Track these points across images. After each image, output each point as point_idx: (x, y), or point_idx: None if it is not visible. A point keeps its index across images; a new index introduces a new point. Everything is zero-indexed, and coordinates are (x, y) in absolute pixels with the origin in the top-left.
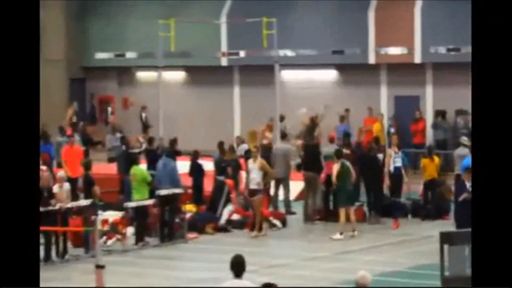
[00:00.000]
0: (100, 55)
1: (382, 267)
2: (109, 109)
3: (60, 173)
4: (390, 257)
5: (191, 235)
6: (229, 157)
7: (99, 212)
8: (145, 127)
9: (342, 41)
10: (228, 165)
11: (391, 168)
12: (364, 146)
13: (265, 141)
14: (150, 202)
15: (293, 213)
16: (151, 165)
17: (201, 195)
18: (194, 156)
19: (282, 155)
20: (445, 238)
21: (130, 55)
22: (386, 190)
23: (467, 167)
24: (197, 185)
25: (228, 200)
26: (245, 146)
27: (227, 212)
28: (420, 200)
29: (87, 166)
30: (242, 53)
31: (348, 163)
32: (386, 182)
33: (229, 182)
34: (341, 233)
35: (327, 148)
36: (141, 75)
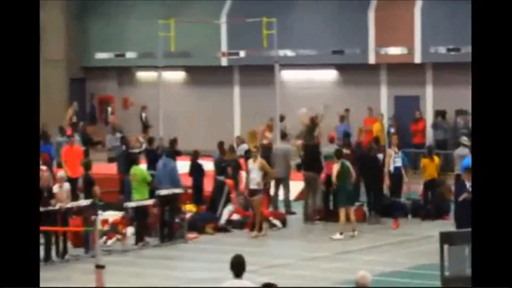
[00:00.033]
0: (100, 55)
1: (382, 267)
2: (109, 109)
3: (60, 173)
4: (390, 257)
5: (191, 235)
6: (229, 157)
7: (99, 212)
8: (145, 127)
9: (342, 41)
10: (228, 165)
11: (391, 168)
12: (364, 146)
13: (265, 141)
14: (150, 202)
15: (293, 213)
16: (151, 165)
17: (201, 195)
18: (194, 156)
19: (282, 155)
20: (445, 238)
21: (130, 55)
22: (386, 190)
23: (467, 167)
24: (197, 185)
25: (228, 200)
26: (245, 146)
27: (227, 212)
28: (420, 200)
29: (87, 166)
30: (242, 53)
31: (348, 163)
32: (386, 182)
33: (229, 182)
34: (341, 233)
35: (327, 148)
36: (141, 75)
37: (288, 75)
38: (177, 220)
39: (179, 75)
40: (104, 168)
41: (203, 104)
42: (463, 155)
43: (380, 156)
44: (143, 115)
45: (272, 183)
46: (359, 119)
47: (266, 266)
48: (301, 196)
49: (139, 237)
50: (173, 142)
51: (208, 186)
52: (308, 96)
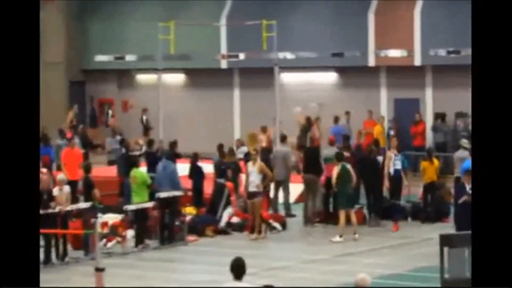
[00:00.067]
0: (100, 58)
1: (382, 269)
2: (110, 112)
3: (60, 176)
4: (390, 259)
5: (191, 237)
6: (229, 159)
7: (99, 214)
8: (146, 129)
9: (342, 44)
10: (228, 167)
11: (391, 170)
12: (364, 149)
13: (263, 144)
14: (150, 204)
15: (293, 216)
16: (151, 168)
17: (201, 198)
18: (194, 158)
19: (282, 157)
20: (445, 240)
21: (129, 57)
22: (386, 193)
23: (467, 170)
24: (197, 188)
25: (228, 203)
26: (244, 149)
27: (227, 215)
28: (420, 203)
29: (87, 169)
30: (241, 56)
31: (349, 166)
32: (386, 184)
33: (229, 184)
34: (340, 236)
35: (327, 151)
36: (141, 77)
37: (288, 78)
38: (177, 222)
39: (179, 78)
40: (104, 171)
41: (203, 106)
42: (463, 157)
43: (380, 158)
44: (144, 117)
45: (272, 186)
46: (359, 121)
47: (266, 269)
48: (301, 199)
49: (139, 239)
50: (173, 144)
51: (208, 188)
52: (308, 98)
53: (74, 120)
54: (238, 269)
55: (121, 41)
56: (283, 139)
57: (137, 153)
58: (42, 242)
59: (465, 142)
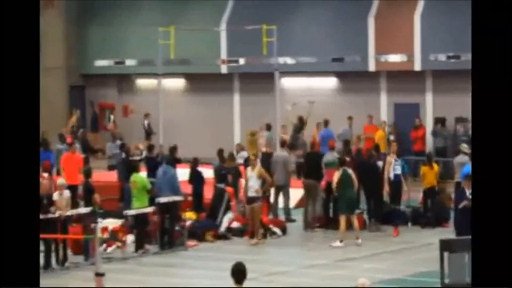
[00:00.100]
0: (100, 63)
1: (382, 274)
2: (112, 117)
3: (60, 180)
4: (390, 264)
5: (191, 242)
6: (229, 164)
7: (99, 219)
8: (148, 134)
9: (342, 49)
10: (228, 172)
11: (391, 175)
12: (364, 154)
13: (266, 149)
14: (150, 209)
15: (293, 221)
16: (151, 173)
17: (201, 203)
18: (194, 163)
19: (282, 162)
20: (445, 245)
21: (129, 62)
22: (386, 198)
23: (467, 175)
24: (197, 193)
25: (228, 208)
26: (245, 154)
27: (227, 220)
28: (420, 208)
29: (87, 173)
30: (242, 61)
31: (350, 171)
32: (386, 189)
33: (229, 189)
34: (341, 241)
35: (327, 156)
36: (141, 82)
37: (288, 83)
38: (177, 227)
39: (179, 83)
40: (104, 175)
41: (203, 111)
42: (463, 162)
43: (380, 163)
44: (146, 122)
45: (272, 191)
46: (359, 126)
47: (266, 274)
48: (301, 204)
49: (139, 244)
50: (173, 149)
51: (208, 193)
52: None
53: (75, 125)
54: (239, 274)
55: (121, 46)
56: (283, 144)
57: (137, 158)
58: (42, 247)
59: (465, 147)
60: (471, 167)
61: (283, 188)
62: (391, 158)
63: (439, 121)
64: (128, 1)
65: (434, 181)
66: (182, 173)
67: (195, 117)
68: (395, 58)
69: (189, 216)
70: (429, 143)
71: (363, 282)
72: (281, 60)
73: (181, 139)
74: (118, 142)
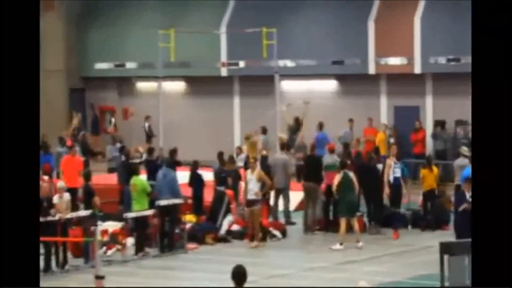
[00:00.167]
0: (100, 65)
1: (382, 277)
2: (113, 120)
3: (60, 183)
4: (390, 267)
5: (191, 245)
6: (229, 167)
7: (99, 222)
8: (149, 137)
9: (342, 52)
10: (228, 175)
11: (390, 178)
12: (364, 156)
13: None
14: (150, 212)
15: (293, 224)
16: (151, 176)
17: (201, 206)
18: (194, 166)
19: (282, 165)
20: (445, 248)
21: (130, 65)
22: (386, 201)
23: (467, 178)
24: (197, 196)
25: (228, 211)
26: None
27: (227, 223)
28: (420, 211)
29: (87, 176)
30: (242, 63)
31: (351, 174)
32: (386, 192)
33: (229, 192)
34: (341, 244)
35: (327, 158)
36: (141, 85)
37: (288, 86)
38: (177, 230)
39: (179, 85)
40: (104, 178)
41: (203, 114)
42: (463, 165)
43: (380, 166)
44: (147, 124)
45: (272, 194)
46: (359, 129)
47: (266, 277)
48: (301, 207)
49: (139, 247)
50: (173, 152)
51: (208, 196)
52: (308, 106)
53: (76, 128)
54: (239, 276)
55: (121, 49)
56: (283, 147)
57: (137, 160)
58: (42, 250)
59: (465, 149)
60: (471, 170)
61: (283, 191)
62: (391, 161)
63: (439, 124)
64: (128, 3)
65: (433, 184)
66: (182, 176)
67: (195, 120)
68: (395, 61)
69: (189, 219)
70: (429, 146)
71: (363, 285)
72: (281, 62)
73: (181, 142)
74: (118, 145)
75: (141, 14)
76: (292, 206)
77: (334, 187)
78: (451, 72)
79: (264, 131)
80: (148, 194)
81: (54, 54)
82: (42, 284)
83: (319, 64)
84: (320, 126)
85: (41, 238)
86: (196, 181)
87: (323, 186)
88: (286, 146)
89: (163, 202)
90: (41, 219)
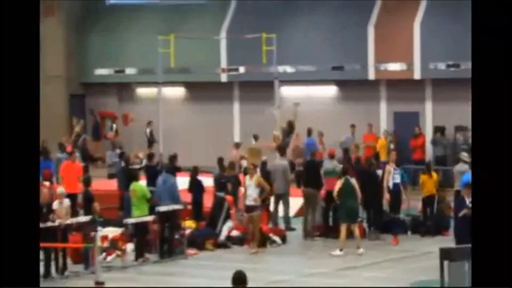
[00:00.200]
0: (100, 71)
1: (382, 283)
2: (114, 125)
3: (60, 189)
4: (390, 273)
5: (191, 251)
6: (228, 173)
7: (99, 228)
8: (150, 142)
9: (342, 57)
10: (228, 181)
11: (390, 184)
12: (364, 162)
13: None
14: (150, 218)
15: (293, 229)
16: (151, 181)
17: (201, 211)
18: (194, 172)
19: (281, 171)
20: (445, 254)
21: (129, 71)
22: (386, 206)
23: (467, 183)
24: (197, 201)
25: (227, 216)
26: (245, 163)
27: (227, 228)
28: (420, 216)
29: (87, 182)
30: (241, 69)
31: (353, 180)
32: (386, 197)
33: (229, 198)
34: (340, 250)
35: (327, 164)
36: (141, 91)
37: (287, 91)
38: (177, 236)
39: (179, 91)
40: (104, 184)
41: (203, 120)
42: (463, 171)
43: (380, 172)
44: (148, 130)
45: (272, 199)
46: (359, 135)
47: (266, 283)
48: (300, 213)
49: (139, 253)
50: (173, 158)
51: (207, 202)
52: (308, 112)
53: (79, 134)
54: (239, 282)
55: (121, 55)
56: (282, 152)
57: (137, 166)
58: (41, 256)
59: (465, 155)
60: (470, 175)
61: (282, 197)
62: (390, 167)
63: (439, 130)
64: (128, 9)
65: (433, 189)
66: (182, 181)
67: (195, 125)
68: (394, 66)
69: (189, 225)
70: (429, 152)
71: None
72: (281, 68)
73: (181, 147)
74: (118, 150)
75: (141, 20)
76: (292, 212)
77: (335, 193)
78: (451, 78)
79: (255, 138)
80: (148, 200)
81: (54, 60)
82: None
83: (318, 70)
84: (309, 132)
85: (41, 244)
86: (196, 187)
87: (322, 192)
88: (280, 149)
89: (163, 208)
90: (41, 225)
